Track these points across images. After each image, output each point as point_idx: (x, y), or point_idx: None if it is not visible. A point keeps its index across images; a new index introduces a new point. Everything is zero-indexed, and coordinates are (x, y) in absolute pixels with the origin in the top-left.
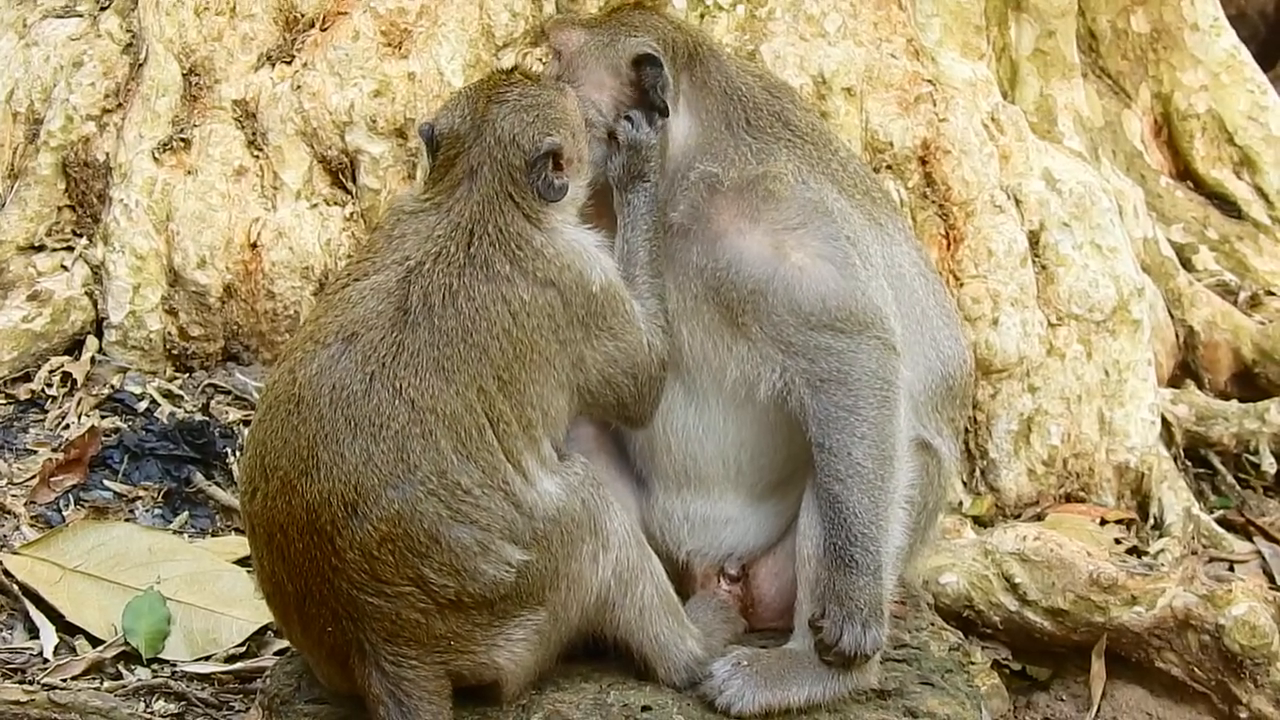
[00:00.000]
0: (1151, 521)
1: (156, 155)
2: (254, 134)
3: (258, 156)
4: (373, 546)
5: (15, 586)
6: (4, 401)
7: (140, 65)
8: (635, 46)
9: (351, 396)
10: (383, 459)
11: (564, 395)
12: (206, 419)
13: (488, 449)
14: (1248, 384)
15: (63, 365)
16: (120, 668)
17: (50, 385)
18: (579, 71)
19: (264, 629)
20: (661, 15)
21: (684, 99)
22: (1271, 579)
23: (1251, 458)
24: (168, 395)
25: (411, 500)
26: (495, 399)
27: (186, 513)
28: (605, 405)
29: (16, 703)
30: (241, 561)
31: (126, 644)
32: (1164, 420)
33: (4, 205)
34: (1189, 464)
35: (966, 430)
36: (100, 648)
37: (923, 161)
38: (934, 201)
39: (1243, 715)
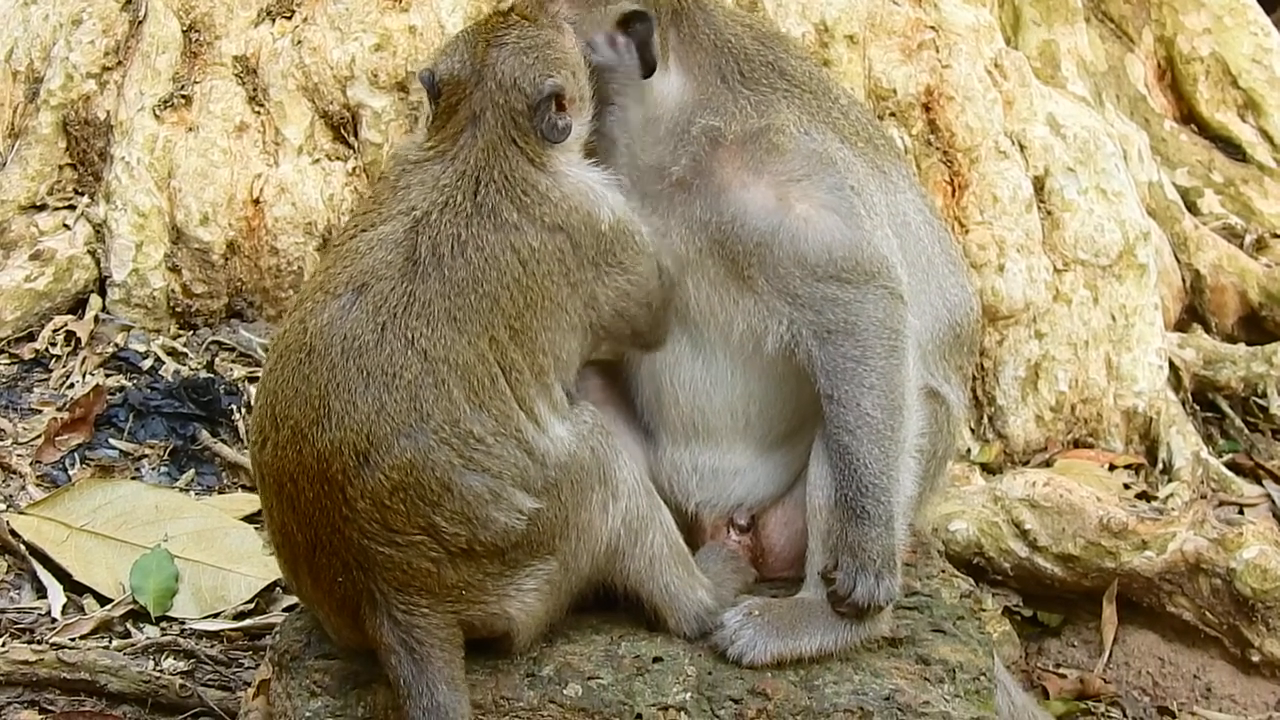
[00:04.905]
0: (1160, 466)
1: (157, 112)
2: (255, 90)
3: (259, 112)
4: (384, 495)
5: (22, 546)
6: (8, 361)
7: (140, 22)
8: (618, 9)
9: (363, 347)
10: (395, 408)
11: (576, 337)
12: (211, 376)
13: (500, 397)
14: (1255, 327)
15: (66, 324)
16: (129, 626)
17: (54, 344)
18: None
19: (272, 585)
20: None
21: (674, 55)
22: None
23: (1259, 401)
24: (172, 353)
25: (424, 449)
26: (507, 348)
27: (193, 470)
28: (620, 337)
29: (25, 662)
30: (249, 518)
31: (135, 602)
32: (1171, 364)
33: (5, 165)
34: (1197, 408)
35: (974, 377)
36: (108, 606)
37: (926, 108)
38: (938, 148)
39: (1255, 658)
